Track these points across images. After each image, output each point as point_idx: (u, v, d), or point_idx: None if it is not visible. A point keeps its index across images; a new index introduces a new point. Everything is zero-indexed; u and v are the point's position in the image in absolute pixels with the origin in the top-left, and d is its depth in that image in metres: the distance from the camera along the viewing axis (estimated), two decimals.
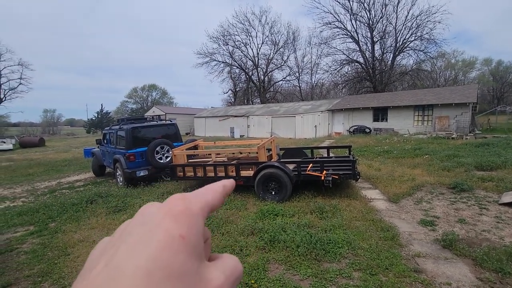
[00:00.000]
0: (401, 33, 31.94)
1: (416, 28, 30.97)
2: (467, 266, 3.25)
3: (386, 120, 21.33)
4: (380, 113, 21.71)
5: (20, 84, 47.71)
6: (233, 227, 4.51)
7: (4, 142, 29.54)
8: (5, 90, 47.12)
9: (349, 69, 36.67)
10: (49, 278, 3.39)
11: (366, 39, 33.92)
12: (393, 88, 34.59)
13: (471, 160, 8.38)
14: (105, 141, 9.89)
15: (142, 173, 8.15)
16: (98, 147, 10.82)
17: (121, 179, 8.49)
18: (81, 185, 9.56)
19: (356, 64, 35.17)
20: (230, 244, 3.89)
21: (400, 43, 32.16)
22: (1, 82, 46.46)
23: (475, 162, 8.14)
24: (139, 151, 8.22)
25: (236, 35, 42.05)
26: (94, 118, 60.10)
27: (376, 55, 33.78)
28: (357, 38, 33.51)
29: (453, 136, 15.71)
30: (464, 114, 18.00)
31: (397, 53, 32.64)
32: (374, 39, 32.99)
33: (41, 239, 4.70)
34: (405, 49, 32.64)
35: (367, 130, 20.90)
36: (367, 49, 34.02)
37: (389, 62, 33.46)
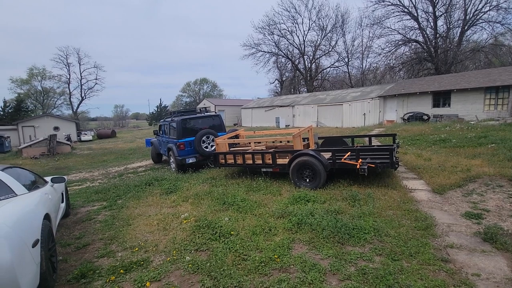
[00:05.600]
0: (471, 3, 27.49)
1: None
2: (506, 260, 3.03)
3: (449, 105, 19.03)
4: (441, 98, 19.45)
5: (96, 84, 56.25)
6: (266, 210, 4.87)
7: (86, 134, 35.69)
8: (85, 89, 55.98)
9: (406, 49, 33.13)
10: (115, 241, 4.25)
11: (427, 15, 30.01)
12: (462, 68, 30.19)
13: None
14: (161, 132, 11.14)
15: (190, 160, 9.05)
16: (155, 137, 12.23)
17: (173, 166, 9.56)
18: (143, 170, 11.03)
19: (414, 43, 31.61)
20: (260, 224, 4.25)
21: (471, 15, 27.69)
22: (82, 83, 55.21)
23: None
24: (188, 140, 9.11)
25: (282, 23, 41.63)
26: (154, 112, 66.64)
27: (440, 31, 29.78)
28: (416, 14, 29.94)
29: None
30: None
31: (466, 27, 28.26)
32: (437, 14, 29.05)
33: (111, 212, 5.76)
34: (477, 22, 28.06)
35: (425, 117, 18.97)
36: (428, 26, 30.16)
37: (456, 38, 29.21)
